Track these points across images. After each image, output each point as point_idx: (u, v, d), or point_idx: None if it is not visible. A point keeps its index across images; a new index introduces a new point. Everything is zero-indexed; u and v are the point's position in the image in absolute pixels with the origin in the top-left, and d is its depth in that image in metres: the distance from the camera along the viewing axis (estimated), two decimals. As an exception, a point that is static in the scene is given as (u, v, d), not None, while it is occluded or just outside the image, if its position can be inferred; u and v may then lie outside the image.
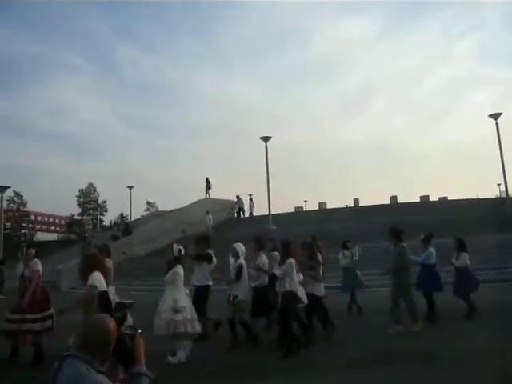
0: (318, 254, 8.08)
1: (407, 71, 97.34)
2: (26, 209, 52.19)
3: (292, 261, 6.75)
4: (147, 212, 54.53)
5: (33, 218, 52.36)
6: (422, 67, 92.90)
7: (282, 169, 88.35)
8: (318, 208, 38.71)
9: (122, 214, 56.21)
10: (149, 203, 62.61)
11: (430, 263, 8.83)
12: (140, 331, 2.39)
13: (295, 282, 6.75)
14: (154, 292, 7.30)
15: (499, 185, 39.61)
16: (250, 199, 33.97)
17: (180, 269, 6.62)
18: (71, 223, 53.34)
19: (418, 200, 35.16)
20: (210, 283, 7.78)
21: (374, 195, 75.99)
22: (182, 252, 6.87)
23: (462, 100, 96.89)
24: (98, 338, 2.19)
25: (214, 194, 33.34)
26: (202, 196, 32.68)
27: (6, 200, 50.27)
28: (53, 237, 50.40)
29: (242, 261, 7.22)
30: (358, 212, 29.35)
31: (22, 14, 75.12)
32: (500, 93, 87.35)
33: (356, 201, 39.33)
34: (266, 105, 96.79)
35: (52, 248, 29.94)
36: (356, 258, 10.27)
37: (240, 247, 7.38)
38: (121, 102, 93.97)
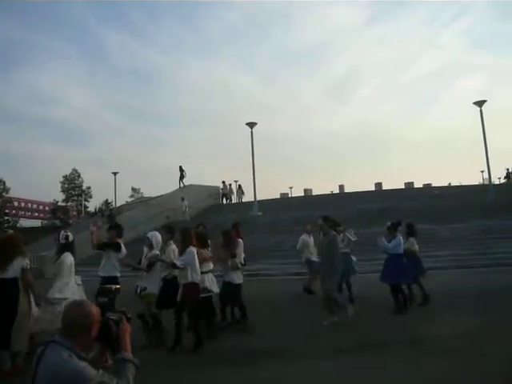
0: (240, 240, 7.93)
1: (394, 59, 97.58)
2: (8, 195, 51.15)
3: (193, 249, 6.30)
4: (132, 198, 54.05)
5: (16, 204, 51.49)
6: (409, 54, 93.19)
7: (268, 156, 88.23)
8: (303, 194, 38.83)
9: (106, 201, 55.66)
10: (134, 189, 62.14)
11: (398, 252, 8.23)
12: (129, 316, 2.35)
13: (197, 271, 6.32)
14: (135, 277, 7.15)
15: (482, 172, 40.14)
16: (239, 186, 33.34)
17: (67, 257, 6.18)
18: (55, 209, 52.50)
19: (403, 187, 35.46)
20: (119, 274, 7.14)
21: (360, 182, 76.55)
22: (70, 239, 6.42)
23: (447, 87, 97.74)
24: (79, 322, 2.16)
25: (201, 180, 33.25)
26: (184, 183, 32.13)
27: (-12, 186, 49.73)
28: (37, 223, 49.63)
29: (156, 251, 6.69)
30: (343, 198, 29.44)
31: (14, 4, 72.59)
32: (486, 80, 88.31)
33: (341, 187, 39.56)
34: (254, 92, 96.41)
35: (36, 234, 29.50)
36: (355, 238, 9.58)
37: (155, 237, 6.80)
38: (108, 88, 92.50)
